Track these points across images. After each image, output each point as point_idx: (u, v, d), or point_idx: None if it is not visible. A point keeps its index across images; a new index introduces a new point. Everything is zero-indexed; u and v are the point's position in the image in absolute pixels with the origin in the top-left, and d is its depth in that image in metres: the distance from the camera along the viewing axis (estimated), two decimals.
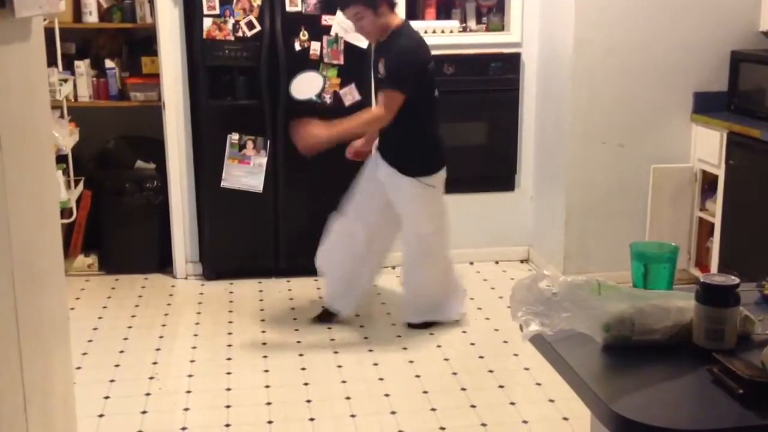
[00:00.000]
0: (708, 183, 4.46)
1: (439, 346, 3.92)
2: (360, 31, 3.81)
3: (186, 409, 3.36)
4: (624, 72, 4.44)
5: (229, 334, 4.07)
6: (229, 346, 3.93)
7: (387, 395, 3.46)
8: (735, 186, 4.15)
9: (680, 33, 4.42)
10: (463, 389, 3.51)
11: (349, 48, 4.53)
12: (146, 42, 4.87)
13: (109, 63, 4.80)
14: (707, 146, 4.36)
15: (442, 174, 3.92)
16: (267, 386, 3.53)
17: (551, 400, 3.39)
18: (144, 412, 3.33)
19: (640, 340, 1.71)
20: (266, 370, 3.68)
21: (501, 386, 3.53)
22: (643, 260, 1.92)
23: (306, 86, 4.56)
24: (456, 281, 4.16)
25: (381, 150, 3.94)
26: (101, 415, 3.29)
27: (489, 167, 5.00)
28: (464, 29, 4.88)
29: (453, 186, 4.94)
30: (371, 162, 4.00)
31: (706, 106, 4.46)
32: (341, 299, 4.12)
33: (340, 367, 3.71)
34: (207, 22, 4.42)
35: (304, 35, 4.49)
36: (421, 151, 3.87)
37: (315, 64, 4.53)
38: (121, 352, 3.87)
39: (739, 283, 1.69)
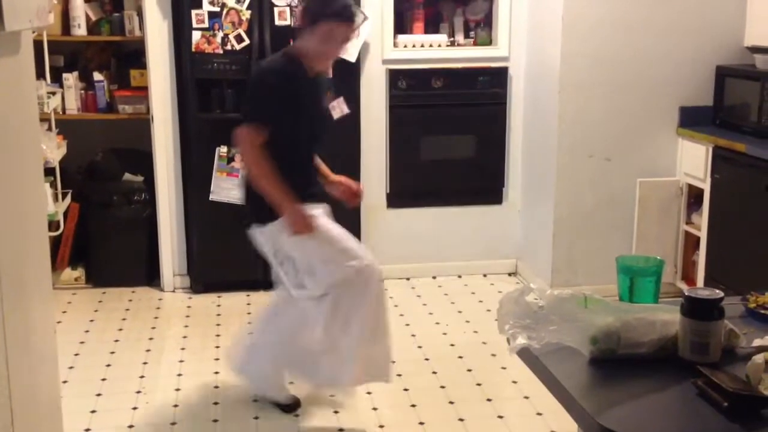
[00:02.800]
0: (694, 196, 4.49)
1: (427, 359, 3.92)
2: (341, 53, 3.19)
3: (173, 423, 3.34)
4: (611, 86, 4.48)
5: (217, 347, 4.06)
6: (217, 359, 3.92)
7: (375, 409, 3.46)
8: (720, 200, 4.18)
9: (666, 48, 4.46)
10: (451, 402, 3.51)
11: (338, 62, 4.54)
12: (135, 55, 4.87)
13: (97, 76, 4.80)
14: (693, 160, 4.39)
15: None
16: (255, 400, 3.52)
17: (539, 414, 3.40)
18: (131, 426, 3.31)
19: (626, 354, 1.73)
20: None
21: (489, 399, 3.53)
22: (629, 274, 1.94)
23: None
24: None
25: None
26: (88, 429, 3.27)
27: (477, 180, 5.02)
28: (452, 43, 4.90)
29: (441, 199, 5.01)
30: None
31: (691, 120, 4.50)
32: None
33: None
34: (196, 35, 4.44)
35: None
36: None
37: None
38: (108, 365, 3.85)
39: (724, 297, 1.70)
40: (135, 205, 4.80)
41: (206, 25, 4.44)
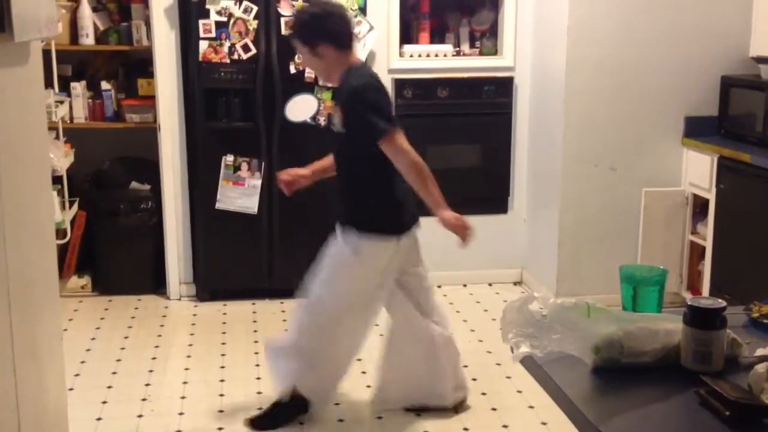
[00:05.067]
0: (699, 206, 4.49)
1: None
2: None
3: None
4: (616, 96, 4.49)
5: (223, 355, 4.07)
6: (222, 367, 3.93)
7: (380, 418, 3.46)
8: (725, 210, 4.19)
9: (671, 58, 4.47)
10: (456, 411, 3.51)
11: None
12: (142, 64, 4.90)
13: (105, 85, 4.82)
14: (698, 170, 4.40)
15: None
16: (260, 408, 3.52)
17: (543, 423, 3.40)
18: None
19: (629, 363, 1.73)
20: (259, 392, 3.68)
21: (494, 409, 3.53)
22: (632, 283, 1.95)
23: (301, 109, 4.59)
24: None
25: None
26: None
27: (482, 190, 5.03)
28: (458, 53, 4.92)
29: None
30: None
31: (697, 130, 4.50)
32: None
33: None
34: (203, 45, 4.46)
35: (299, 58, 4.53)
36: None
37: (310, 87, 4.57)
38: (114, 373, 3.87)
39: (726, 306, 1.71)
40: (141, 213, 4.81)
41: (213, 34, 4.46)
